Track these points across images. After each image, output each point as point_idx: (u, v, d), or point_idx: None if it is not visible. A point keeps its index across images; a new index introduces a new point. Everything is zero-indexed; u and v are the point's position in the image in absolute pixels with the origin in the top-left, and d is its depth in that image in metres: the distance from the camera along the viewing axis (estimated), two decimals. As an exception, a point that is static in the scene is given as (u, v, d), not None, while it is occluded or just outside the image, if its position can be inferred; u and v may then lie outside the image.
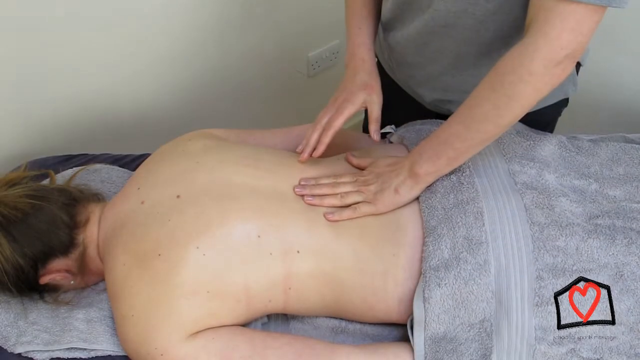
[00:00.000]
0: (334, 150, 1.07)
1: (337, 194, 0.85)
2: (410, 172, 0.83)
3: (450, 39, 0.90)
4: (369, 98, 0.92)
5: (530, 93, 0.73)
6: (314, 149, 0.88)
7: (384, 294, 0.81)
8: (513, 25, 0.83)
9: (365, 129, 1.18)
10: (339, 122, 0.89)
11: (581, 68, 1.05)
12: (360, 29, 0.98)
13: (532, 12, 0.73)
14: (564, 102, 1.05)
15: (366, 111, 1.08)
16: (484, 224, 0.80)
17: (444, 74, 0.97)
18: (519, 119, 0.77)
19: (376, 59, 1.17)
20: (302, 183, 0.87)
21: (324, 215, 0.83)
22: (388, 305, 0.81)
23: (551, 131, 1.10)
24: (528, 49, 0.71)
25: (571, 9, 0.69)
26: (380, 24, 1.05)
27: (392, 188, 0.83)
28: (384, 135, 1.09)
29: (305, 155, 0.88)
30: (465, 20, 0.86)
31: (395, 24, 0.99)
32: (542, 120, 1.02)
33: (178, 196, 0.83)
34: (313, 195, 0.85)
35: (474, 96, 0.77)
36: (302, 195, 0.85)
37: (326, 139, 0.88)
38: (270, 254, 0.80)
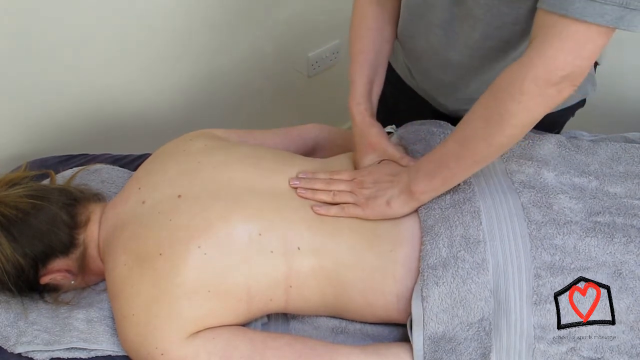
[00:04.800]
0: (335, 150, 1.07)
1: (330, 191, 0.85)
2: (406, 187, 0.81)
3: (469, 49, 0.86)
4: (379, 152, 0.91)
5: (522, 112, 0.69)
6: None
7: (383, 290, 0.81)
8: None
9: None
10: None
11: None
12: (354, 83, 0.94)
13: (534, 28, 0.69)
14: (582, 103, 1.03)
15: None
16: (481, 222, 0.80)
17: (466, 86, 0.94)
18: (514, 141, 0.73)
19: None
20: (300, 176, 0.87)
21: (312, 207, 0.84)
22: (387, 302, 0.82)
23: (559, 131, 1.08)
24: (523, 67, 0.68)
25: (573, 29, 0.64)
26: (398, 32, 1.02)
27: (384, 198, 0.82)
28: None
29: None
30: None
31: (412, 33, 0.95)
32: (555, 121, 1.00)
33: (179, 196, 0.83)
34: (306, 189, 0.85)
35: (469, 113, 0.75)
36: (296, 188, 0.86)
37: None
38: (271, 252, 0.80)
